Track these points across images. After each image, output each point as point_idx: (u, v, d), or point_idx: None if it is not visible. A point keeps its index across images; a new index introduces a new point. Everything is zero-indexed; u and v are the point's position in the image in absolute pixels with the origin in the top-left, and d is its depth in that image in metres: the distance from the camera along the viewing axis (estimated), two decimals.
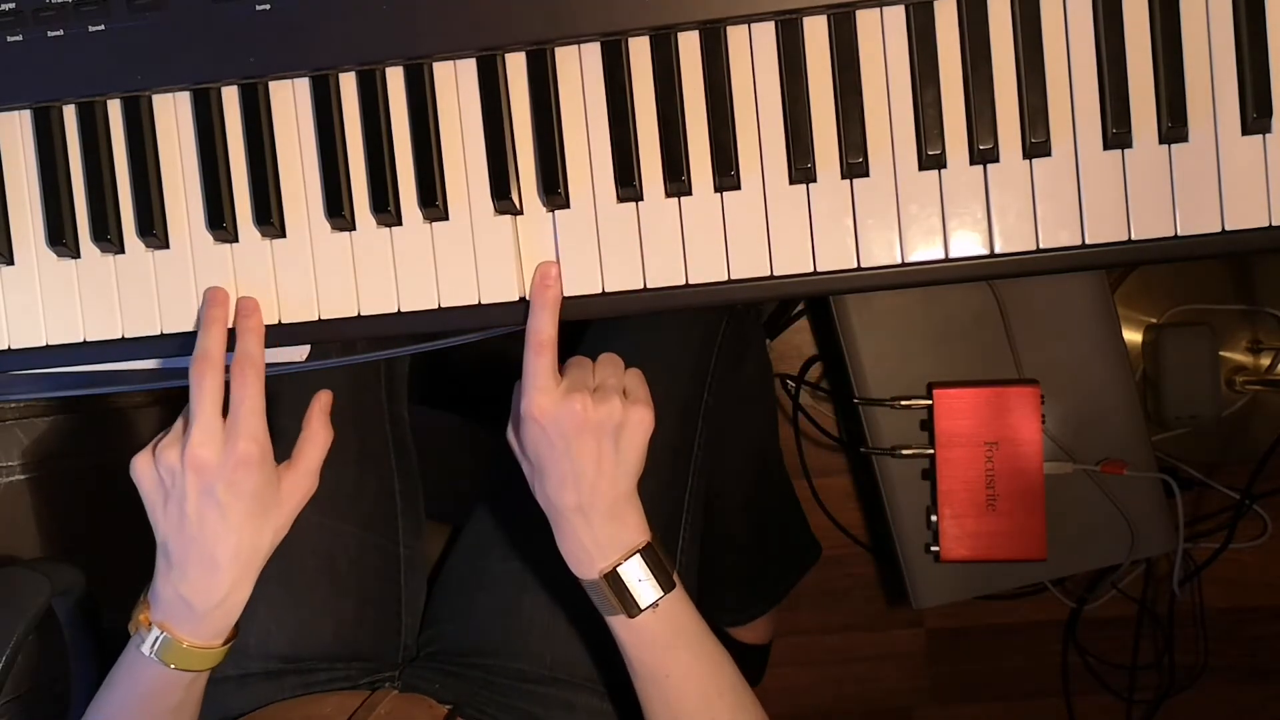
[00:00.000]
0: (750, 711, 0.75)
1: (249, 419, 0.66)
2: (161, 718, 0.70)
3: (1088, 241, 0.68)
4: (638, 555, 0.71)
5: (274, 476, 0.68)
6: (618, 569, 0.70)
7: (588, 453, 0.68)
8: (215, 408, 0.65)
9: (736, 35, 0.70)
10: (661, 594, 0.71)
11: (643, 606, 0.71)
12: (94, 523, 1.04)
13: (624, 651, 0.74)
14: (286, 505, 0.69)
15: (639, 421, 0.69)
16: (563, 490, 0.69)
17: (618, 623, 0.72)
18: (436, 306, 0.72)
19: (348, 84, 0.72)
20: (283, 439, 0.69)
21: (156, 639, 0.67)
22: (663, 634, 0.73)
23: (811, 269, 0.70)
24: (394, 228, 0.72)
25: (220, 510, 0.65)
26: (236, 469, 0.65)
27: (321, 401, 0.72)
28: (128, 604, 1.01)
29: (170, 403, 1.20)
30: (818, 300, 1.42)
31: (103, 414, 1.07)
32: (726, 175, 0.70)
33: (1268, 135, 0.68)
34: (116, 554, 1.07)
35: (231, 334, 0.70)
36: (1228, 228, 0.68)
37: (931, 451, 1.17)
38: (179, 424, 0.67)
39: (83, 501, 1.01)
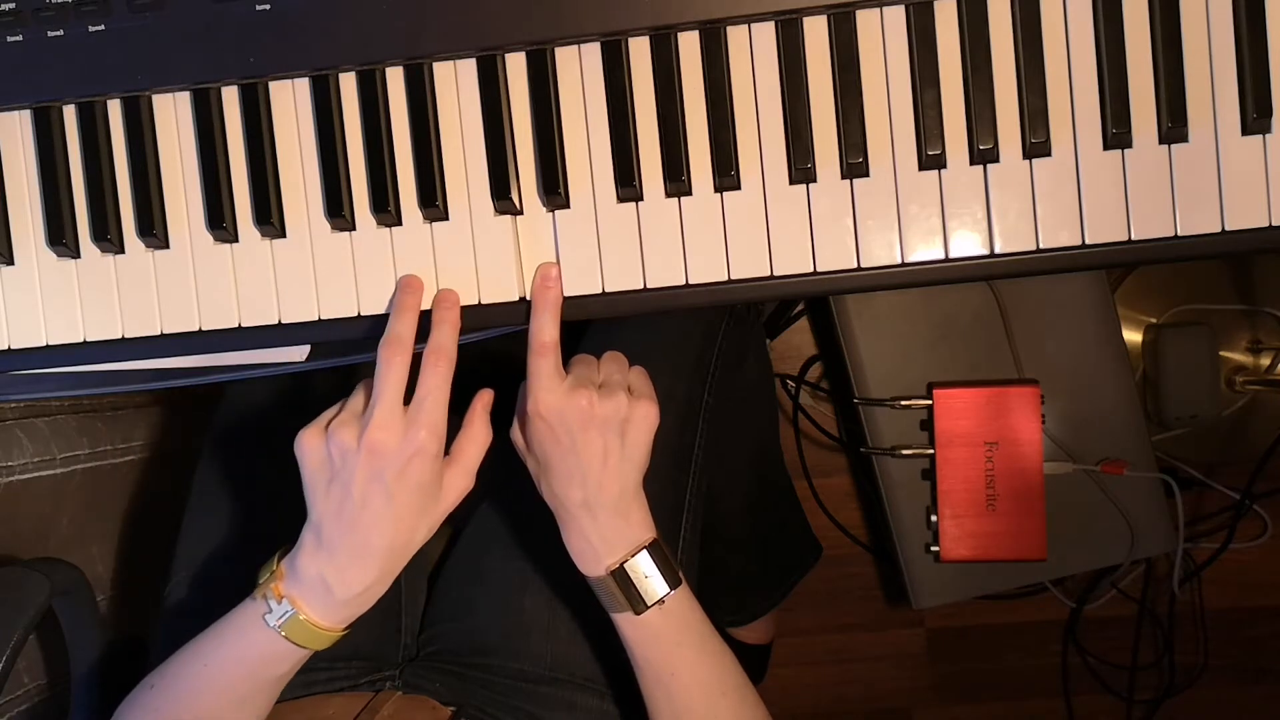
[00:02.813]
0: (754, 710, 0.75)
1: (433, 410, 0.65)
2: (263, 687, 0.70)
3: (1088, 241, 0.68)
4: (645, 551, 0.71)
5: (440, 472, 0.67)
6: (624, 565, 0.71)
7: (594, 448, 0.68)
8: (399, 393, 0.65)
9: (736, 35, 0.70)
10: (668, 590, 0.71)
11: (649, 603, 0.71)
12: (94, 522, 1.04)
13: (629, 650, 0.74)
14: (444, 502, 0.68)
15: (644, 416, 0.69)
16: (569, 486, 0.69)
17: (623, 620, 0.72)
18: None
19: (348, 84, 0.72)
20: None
21: (285, 613, 0.67)
22: (669, 631, 0.73)
23: (811, 269, 0.70)
24: (394, 228, 0.72)
25: (386, 497, 0.65)
26: (412, 458, 0.64)
27: (484, 400, 0.71)
28: (128, 604, 1.01)
29: (172, 403, 1.20)
30: (818, 300, 1.42)
31: (103, 414, 1.07)
32: (726, 175, 0.70)
33: (1268, 135, 0.68)
34: (118, 554, 1.07)
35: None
36: (1228, 228, 0.68)
37: (931, 451, 1.17)
38: (355, 402, 0.67)
39: (82, 501, 1.01)
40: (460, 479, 0.69)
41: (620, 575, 0.71)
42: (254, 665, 0.69)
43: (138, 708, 0.70)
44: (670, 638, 0.73)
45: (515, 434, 0.72)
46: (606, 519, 0.70)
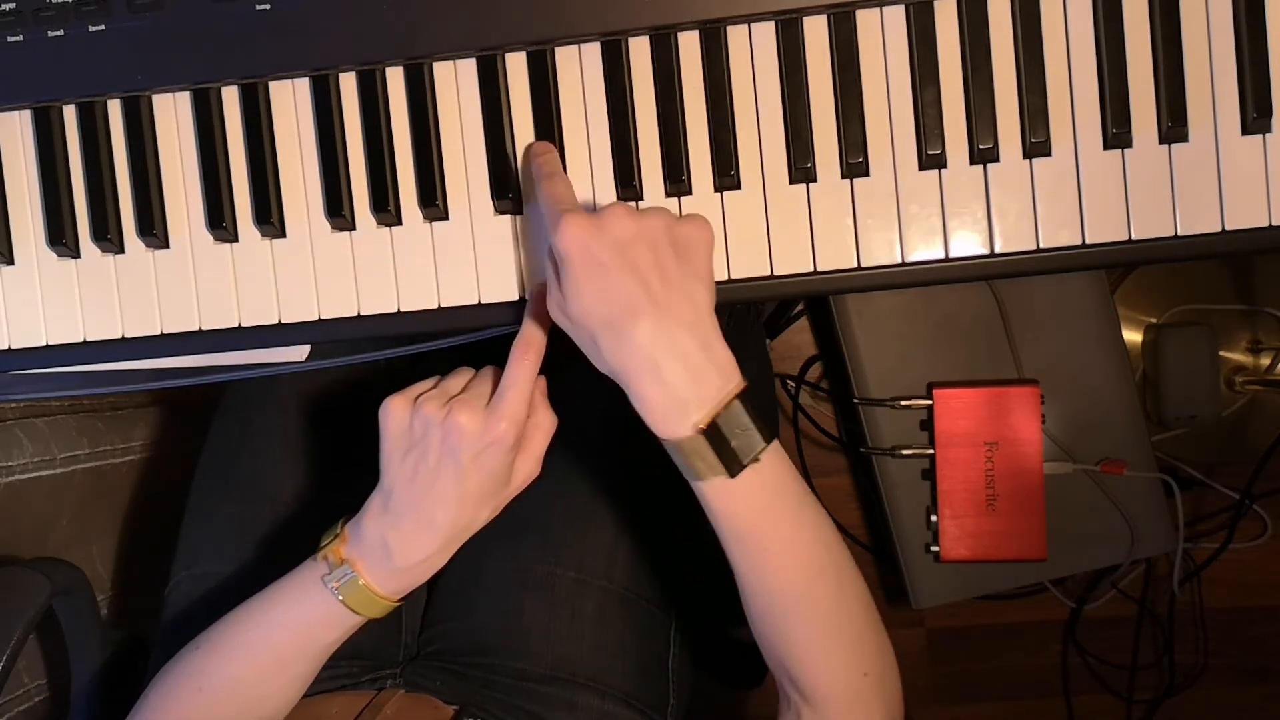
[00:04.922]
0: (854, 588, 0.70)
1: (516, 402, 0.65)
2: (308, 654, 0.70)
3: (1088, 241, 0.68)
4: (738, 400, 0.61)
5: (511, 462, 0.68)
6: (717, 419, 0.60)
7: (646, 260, 0.60)
8: (492, 383, 0.67)
9: (736, 35, 0.70)
10: (764, 445, 0.62)
11: (744, 461, 0.61)
12: (94, 522, 1.04)
13: (715, 522, 0.65)
14: (511, 487, 0.69)
15: (697, 230, 0.62)
16: (633, 319, 0.59)
17: (711, 488, 0.63)
18: (436, 306, 0.72)
19: (348, 84, 0.72)
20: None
21: (344, 575, 0.67)
22: (763, 495, 0.64)
23: (811, 269, 0.70)
24: (394, 227, 0.72)
25: (457, 476, 0.65)
26: (489, 446, 0.65)
27: (540, 387, 0.70)
28: (128, 604, 1.01)
29: (172, 403, 1.20)
30: (818, 300, 1.42)
31: (102, 414, 1.07)
32: (726, 175, 0.70)
33: (1268, 135, 0.68)
34: (118, 554, 1.07)
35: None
36: (1228, 228, 0.68)
37: (931, 451, 1.17)
38: (452, 383, 0.68)
39: (82, 501, 1.01)
40: (528, 465, 0.69)
41: (712, 431, 0.60)
42: (304, 629, 0.69)
43: (181, 666, 0.71)
44: (764, 503, 0.64)
45: (555, 303, 0.63)
46: (689, 347, 0.60)
